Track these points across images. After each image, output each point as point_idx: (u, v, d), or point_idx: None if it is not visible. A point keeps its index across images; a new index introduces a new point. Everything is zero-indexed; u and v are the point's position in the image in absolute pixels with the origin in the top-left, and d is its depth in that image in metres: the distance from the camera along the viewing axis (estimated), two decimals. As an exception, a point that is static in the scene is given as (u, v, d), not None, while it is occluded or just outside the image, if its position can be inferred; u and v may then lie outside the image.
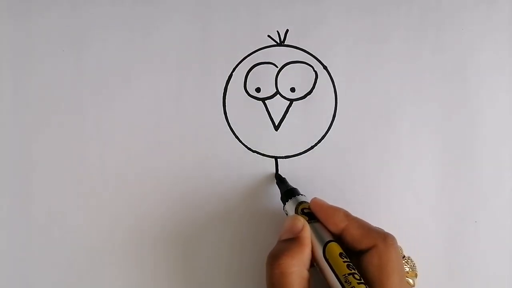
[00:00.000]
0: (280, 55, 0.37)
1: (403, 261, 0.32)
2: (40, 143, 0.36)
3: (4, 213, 0.36)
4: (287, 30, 0.37)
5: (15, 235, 0.36)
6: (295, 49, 0.37)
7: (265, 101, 0.37)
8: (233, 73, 0.37)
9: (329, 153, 0.36)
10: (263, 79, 0.37)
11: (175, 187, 0.36)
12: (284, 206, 0.33)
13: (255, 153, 0.36)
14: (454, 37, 0.37)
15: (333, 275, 0.28)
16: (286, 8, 0.37)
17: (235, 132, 0.36)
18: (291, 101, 0.37)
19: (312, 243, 0.29)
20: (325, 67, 0.37)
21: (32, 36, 0.37)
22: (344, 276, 0.27)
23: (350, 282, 0.27)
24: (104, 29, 0.37)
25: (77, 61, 0.37)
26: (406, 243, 0.36)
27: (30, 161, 0.36)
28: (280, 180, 0.35)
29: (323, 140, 0.36)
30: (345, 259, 0.28)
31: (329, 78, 0.37)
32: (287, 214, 0.33)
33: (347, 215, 0.30)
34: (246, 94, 0.37)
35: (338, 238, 0.30)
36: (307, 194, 0.34)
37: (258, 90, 0.37)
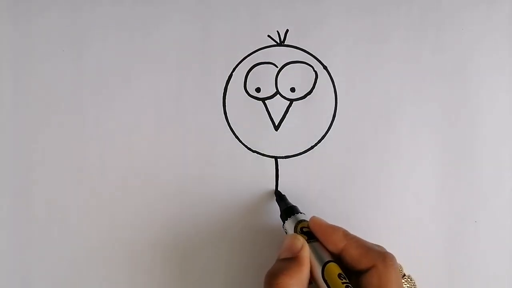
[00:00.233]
0: (280, 55, 0.37)
1: (403, 280, 0.31)
2: (40, 143, 0.36)
3: (4, 213, 0.36)
4: (287, 30, 0.37)
5: (15, 235, 0.36)
6: (295, 49, 0.37)
7: (265, 101, 0.37)
8: (233, 73, 0.37)
9: (329, 153, 0.36)
10: (263, 79, 0.37)
11: (175, 187, 0.36)
12: (283, 224, 0.33)
13: (255, 153, 0.36)
14: (454, 37, 0.37)
15: None
16: (286, 8, 0.37)
17: (235, 132, 0.36)
18: (291, 101, 0.37)
19: (311, 263, 0.29)
20: (325, 67, 0.37)
21: (32, 36, 0.37)
22: None
23: None
24: (104, 29, 0.37)
25: (77, 61, 0.37)
26: (406, 243, 0.36)
27: (30, 161, 0.36)
28: (280, 197, 0.35)
29: (323, 140, 0.36)
30: (344, 280, 0.28)
31: (329, 78, 0.37)
32: (286, 233, 0.33)
33: (346, 234, 0.30)
34: (246, 94, 0.37)
35: (338, 257, 0.30)
36: (307, 194, 0.34)
37: (258, 90, 0.37)
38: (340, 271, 0.28)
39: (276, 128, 0.37)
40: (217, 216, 0.36)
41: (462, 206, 0.36)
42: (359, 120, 0.37)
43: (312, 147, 0.36)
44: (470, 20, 0.37)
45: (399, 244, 0.36)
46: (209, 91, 0.37)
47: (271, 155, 0.36)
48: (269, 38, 0.37)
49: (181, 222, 0.36)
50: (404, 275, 0.32)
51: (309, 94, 0.37)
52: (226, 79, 0.37)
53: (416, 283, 0.33)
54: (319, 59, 0.37)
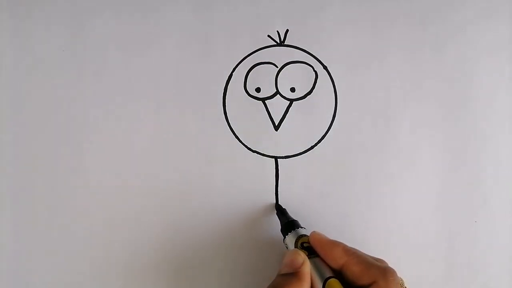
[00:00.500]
0: (280, 55, 0.37)
1: None
2: (40, 143, 0.36)
3: (4, 213, 0.36)
4: (287, 30, 0.37)
5: (15, 235, 0.36)
6: (295, 49, 0.37)
7: (265, 101, 0.37)
8: (233, 73, 0.37)
9: (329, 153, 0.36)
10: (263, 79, 0.37)
11: (175, 187, 0.36)
12: (284, 239, 0.33)
13: (255, 153, 0.36)
14: (455, 37, 0.37)
15: None
16: (286, 8, 0.37)
17: (235, 132, 0.36)
18: (291, 101, 0.37)
19: (312, 279, 0.29)
20: (325, 67, 0.37)
21: (32, 36, 0.37)
22: None
23: None
24: (104, 29, 0.37)
25: (77, 61, 0.37)
26: (406, 243, 0.36)
27: (30, 161, 0.36)
28: (281, 212, 0.35)
29: (323, 140, 0.36)
30: None
31: (329, 78, 0.37)
32: (287, 248, 0.33)
33: (346, 250, 0.30)
34: (246, 94, 0.37)
35: (339, 273, 0.30)
36: (307, 194, 0.33)
37: (258, 90, 0.37)
38: (341, 287, 0.28)
39: (276, 128, 0.37)
40: (217, 216, 0.36)
41: (462, 206, 0.36)
42: (359, 120, 0.37)
43: (312, 147, 0.36)
44: (470, 20, 0.37)
45: (399, 244, 0.36)
46: (209, 91, 0.37)
47: (271, 155, 0.36)
48: (269, 38, 0.37)
49: (181, 222, 0.36)
50: None
51: (309, 94, 0.37)
52: (226, 79, 0.37)
53: None
54: (319, 59, 0.37)
